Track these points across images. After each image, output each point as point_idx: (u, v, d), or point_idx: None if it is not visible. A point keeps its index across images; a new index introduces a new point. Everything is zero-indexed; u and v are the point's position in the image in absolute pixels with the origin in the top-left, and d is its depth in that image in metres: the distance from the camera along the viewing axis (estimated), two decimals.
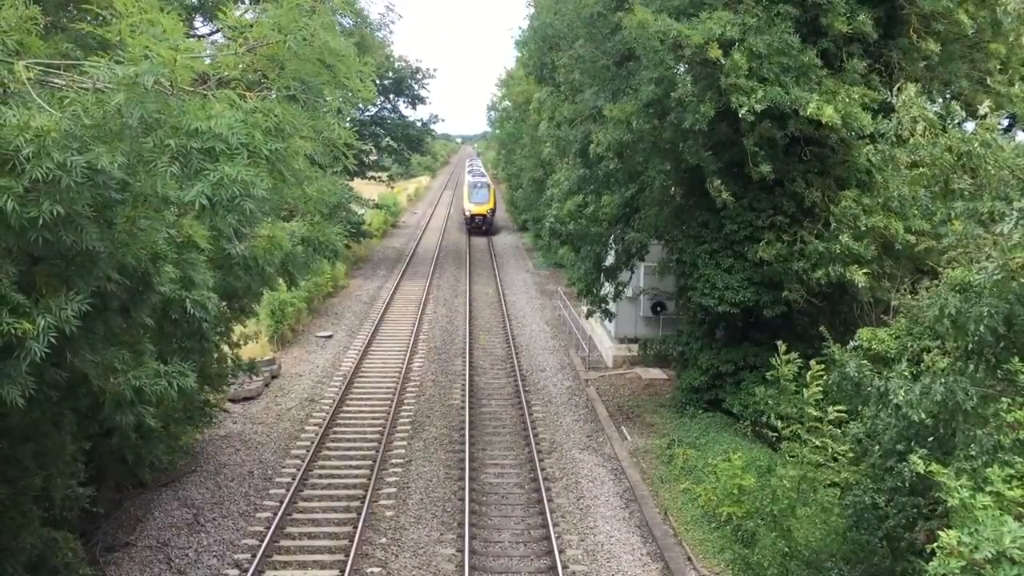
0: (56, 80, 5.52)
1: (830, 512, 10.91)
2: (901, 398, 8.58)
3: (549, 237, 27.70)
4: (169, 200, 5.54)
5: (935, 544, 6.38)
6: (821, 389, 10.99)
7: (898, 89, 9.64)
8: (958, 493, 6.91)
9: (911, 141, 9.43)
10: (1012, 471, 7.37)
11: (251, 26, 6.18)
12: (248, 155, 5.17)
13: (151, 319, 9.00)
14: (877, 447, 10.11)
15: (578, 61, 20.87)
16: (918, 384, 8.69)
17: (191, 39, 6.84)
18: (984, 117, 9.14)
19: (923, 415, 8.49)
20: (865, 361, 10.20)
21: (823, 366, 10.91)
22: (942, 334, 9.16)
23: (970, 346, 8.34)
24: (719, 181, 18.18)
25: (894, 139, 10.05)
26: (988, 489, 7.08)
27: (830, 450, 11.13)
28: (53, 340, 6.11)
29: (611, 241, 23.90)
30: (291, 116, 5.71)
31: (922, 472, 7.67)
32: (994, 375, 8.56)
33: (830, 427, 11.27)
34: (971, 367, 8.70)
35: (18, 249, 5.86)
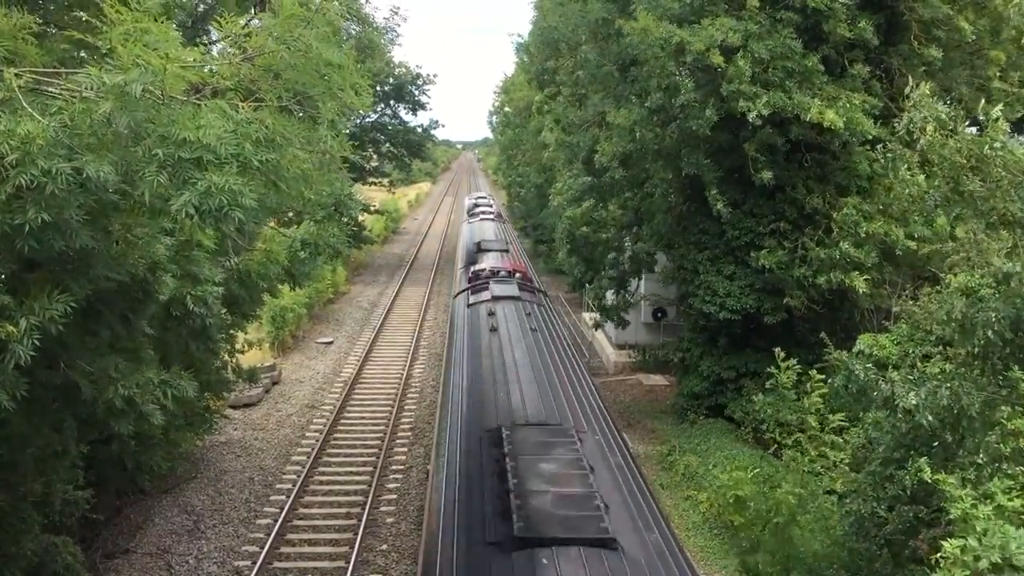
0: (49, 88, 5.53)
1: (829, 519, 10.90)
2: (911, 401, 8.53)
3: (563, 239, 26.93)
4: (168, 203, 5.52)
5: (938, 554, 6.37)
6: (821, 398, 10.98)
7: (911, 89, 9.58)
8: (961, 503, 6.88)
9: (921, 141, 9.38)
10: (1011, 482, 7.35)
11: (248, 36, 6.19)
12: (239, 166, 5.16)
13: (154, 322, 8.99)
14: (877, 455, 10.07)
15: (583, 64, 20.92)
16: (923, 388, 8.65)
17: (193, 48, 6.83)
18: (996, 120, 9.11)
19: (930, 418, 8.45)
20: (870, 365, 10.17)
21: (824, 375, 10.88)
22: (948, 338, 9.12)
23: (976, 350, 8.31)
24: (716, 191, 18.19)
25: (907, 138, 9.99)
26: (990, 501, 7.05)
27: (831, 458, 11.12)
28: (40, 344, 6.07)
29: (620, 246, 23.92)
30: (283, 127, 5.70)
31: (928, 480, 7.65)
32: (998, 381, 8.53)
33: (831, 435, 11.25)
34: (976, 372, 8.67)
35: (6, 254, 5.85)
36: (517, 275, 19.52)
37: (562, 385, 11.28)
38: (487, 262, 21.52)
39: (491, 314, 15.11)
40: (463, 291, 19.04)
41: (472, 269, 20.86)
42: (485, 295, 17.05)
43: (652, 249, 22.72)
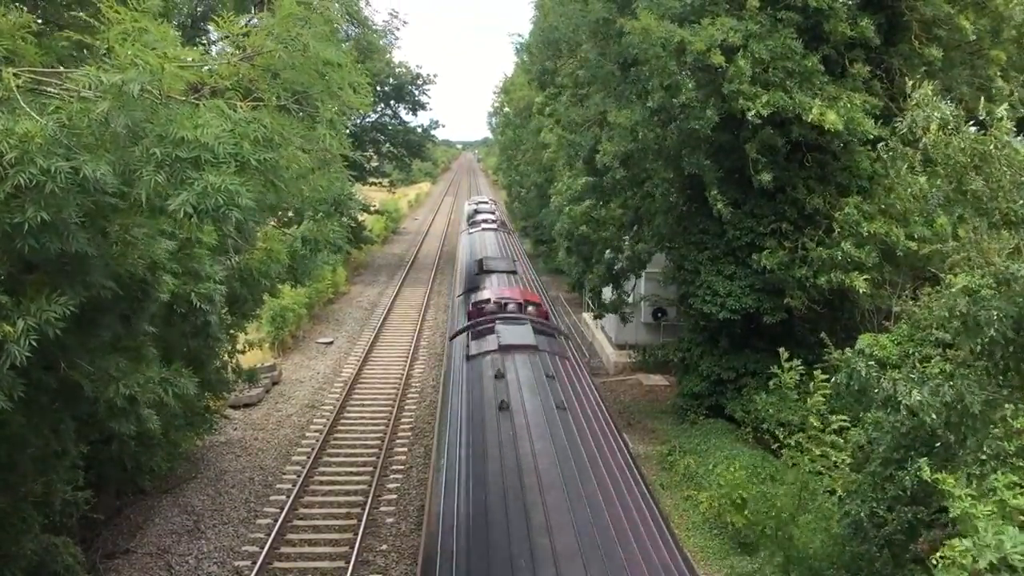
0: (48, 88, 5.53)
1: (830, 519, 10.89)
2: (914, 399, 8.51)
3: (563, 238, 26.10)
4: (167, 203, 5.53)
5: (937, 555, 6.36)
6: (824, 398, 10.95)
7: (913, 88, 9.55)
8: (961, 502, 6.86)
9: (924, 140, 9.36)
10: (1015, 478, 7.33)
11: (247, 35, 6.19)
12: (237, 165, 5.16)
13: (155, 320, 9.00)
14: (877, 455, 10.06)
15: (584, 63, 20.94)
16: (926, 387, 8.64)
17: (192, 48, 6.83)
18: (1001, 119, 9.11)
19: (934, 416, 8.44)
20: (872, 363, 10.15)
21: (826, 375, 10.87)
22: (948, 338, 9.11)
23: (980, 349, 8.30)
24: (717, 191, 18.19)
25: (910, 137, 9.96)
26: (991, 496, 7.03)
27: (832, 458, 11.11)
28: (38, 344, 6.06)
29: (619, 246, 23.93)
30: (281, 126, 5.70)
31: (928, 480, 7.63)
32: (999, 381, 8.52)
33: (832, 436, 11.24)
34: (979, 371, 8.66)
35: (4, 255, 5.85)
36: (530, 308, 15.49)
37: (616, 524, 7.17)
38: (491, 289, 17.66)
39: (499, 376, 11.28)
40: (461, 332, 14.81)
41: (473, 300, 16.62)
42: (490, 342, 13.09)
43: (652, 249, 22.73)
